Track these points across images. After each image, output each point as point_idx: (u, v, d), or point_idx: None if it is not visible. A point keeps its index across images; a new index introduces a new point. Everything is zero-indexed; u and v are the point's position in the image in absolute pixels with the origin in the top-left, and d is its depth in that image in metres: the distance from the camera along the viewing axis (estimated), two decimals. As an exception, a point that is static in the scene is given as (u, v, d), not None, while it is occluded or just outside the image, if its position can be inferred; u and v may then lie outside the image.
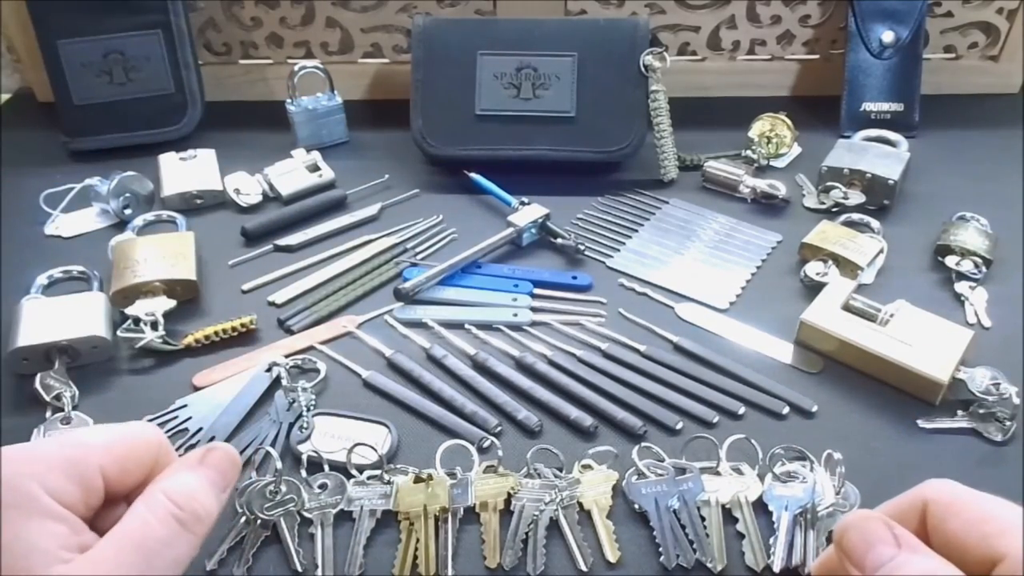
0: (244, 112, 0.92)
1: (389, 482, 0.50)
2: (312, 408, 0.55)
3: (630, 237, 0.73)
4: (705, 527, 0.47)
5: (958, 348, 0.56)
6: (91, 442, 0.34)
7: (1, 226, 0.74)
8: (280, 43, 0.92)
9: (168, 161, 0.80)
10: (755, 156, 0.81)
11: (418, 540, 0.47)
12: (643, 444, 0.52)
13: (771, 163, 0.82)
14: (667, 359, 0.59)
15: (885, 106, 0.87)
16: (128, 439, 0.35)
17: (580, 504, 0.49)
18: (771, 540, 0.46)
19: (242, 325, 0.62)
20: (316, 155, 0.81)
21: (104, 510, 0.34)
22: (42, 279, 0.66)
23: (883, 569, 0.31)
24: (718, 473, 0.50)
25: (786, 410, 0.55)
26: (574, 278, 0.67)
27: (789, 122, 0.82)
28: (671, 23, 0.91)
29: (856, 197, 0.74)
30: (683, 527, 0.47)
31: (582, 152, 0.78)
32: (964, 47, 0.92)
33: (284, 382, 0.57)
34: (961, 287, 0.65)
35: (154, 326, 0.61)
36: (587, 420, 0.54)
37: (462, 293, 0.66)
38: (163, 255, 0.66)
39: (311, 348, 0.61)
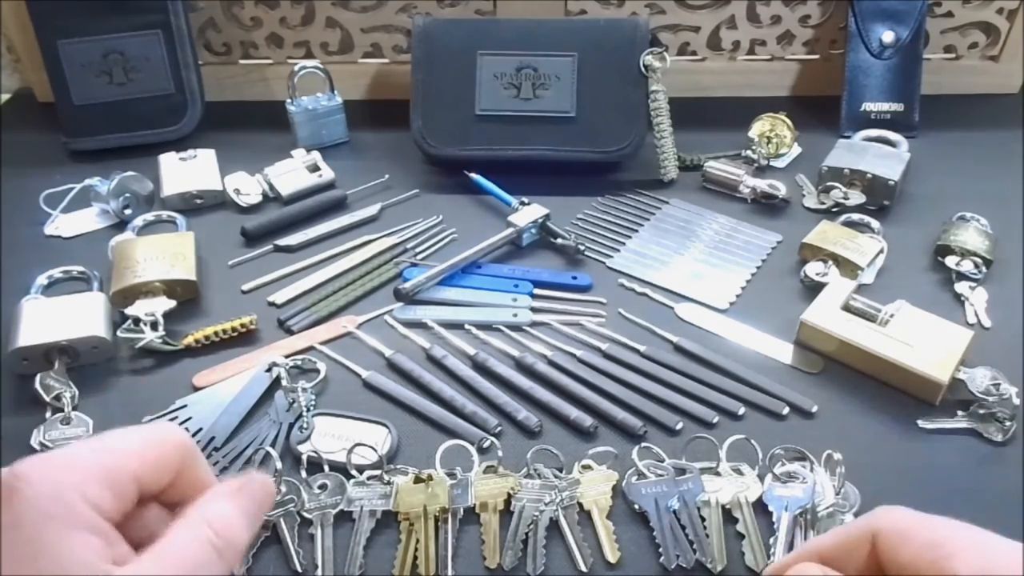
0: (244, 112, 0.92)
1: (389, 482, 0.50)
2: (312, 408, 0.55)
3: (630, 237, 0.73)
4: (705, 527, 0.47)
5: (958, 348, 0.56)
6: (125, 449, 0.34)
7: (1, 226, 0.74)
8: (280, 43, 0.92)
9: (168, 161, 0.80)
10: (755, 156, 0.80)
11: (418, 540, 0.47)
12: (643, 444, 0.52)
13: (771, 163, 0.82)
14: (667, 359, 0.59)
15: (885, 106, 0.87)
16: (159, 443, 0.35)
17: (580, 504, 0.49)
18: (771, 540, 0.46)
19: (242, 325, 0.62)
20: (316, 155, 0.81)
21: (136, 511, 0.34)
22: (42, 279, 0.66)
23: None
24: (718, 473, 0.50)
25: (786, 410, 0.55)
26: (574, 278, 0.67)
27: (789, 122, 0.82)
28: (671, 23, 0.91)
29: (856, 197, 0.74)
30: (683, 527, 0.47)
31: (582, 152, 0.78)
32: (964, 47, 0.92)
33: (284, 382, 0.57)
34: (961, 287, 0.65)
35: (154, 326, 0.61)
36: (587, 420, 0.54)
37: (462, 293, 0.66)
38: (163, 255, 0.66)
39: (311, 348, 0.61)
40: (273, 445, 0.53)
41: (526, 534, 0.47)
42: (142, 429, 0.35)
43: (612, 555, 0.46)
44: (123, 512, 0.33)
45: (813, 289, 0.65)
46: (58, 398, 0.56)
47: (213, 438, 0.54)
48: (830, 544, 0.34)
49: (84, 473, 0.32)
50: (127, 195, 0.74)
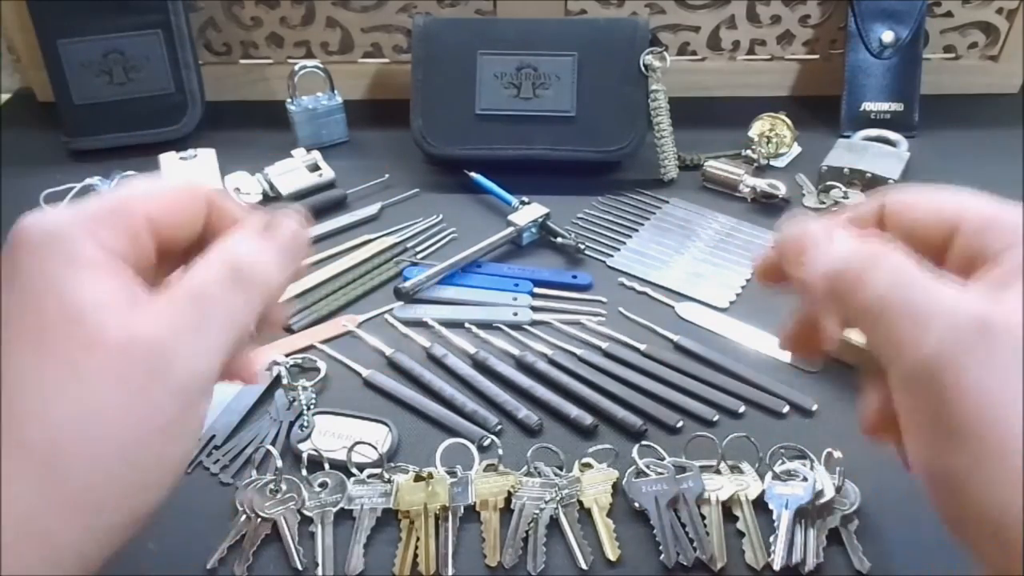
0: (244, 112, 0.92)
1: (389, 481, 0.50)
2: (312, 407, 0.55)
3: (630, 237, 0.73)
4: (705, 525, 0.47)
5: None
6: (134, 192, 0.31)
7: (1, 226, 0.74)
8: (280, 43, 0.93)
9: (168, 161, 0.80)
10: (755, 156, 0.81)
11: (418, 539, 0.47)
12: (643, 443, 0.52)
13: (771, 163, 0.82)
14: (667, 358, 0.59)
15: (885, 106, 0.87)
16: (173, 188, 0.33)
17: (580, 502, 0.49)
18: (771, 538, 0.46)
19: (242, 324, 0.61)
20: (316, 155, 0.81)
21: (164, 273, 0.33)
22: (42, 278, 0.66)
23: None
24: (718, 471, 0.50)
25: (786, 409, 0.55)
26: (574, 277, 0.67)
27: (789, 122, 0.82)
28: (671, 23, 0.91)
29: (856, 197, 0.74)
30: (683, 525, 0.47)
31: (582, 152, 0.78)
32: (964, 47, 0.92)
33: (284, 381, 0.57)
34: (961, 286, 0.65)
35: (154, 325, 0.61)
36: (587, 419, 0.54)
37: (462, 292, 0.66)
38: (163, 254, 0.66)
39: (311, 347, 0.61)
40: (273, 444, 0.53)
41: (526, 532, 0.47)
42: (157, 178, 0.33)
43: (612, 553, 0.46)
44: (140, 258, 0.31)
45: (813, 288, 0.64)
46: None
47: (213, 436, 0.54)
48: (840, 222, 0.34)
49: (88, 216, 0.30)
50: (127, 194, 0.74)
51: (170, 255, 0.33)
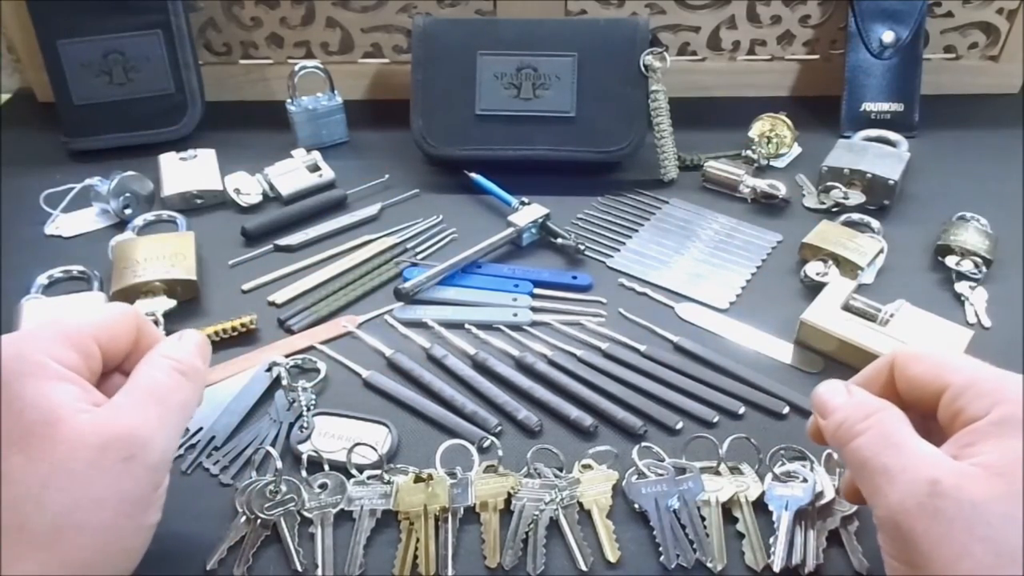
0: (244, 112, 0.92)
1: (389, 482, 0.50)
2: (312, 408, 0.55)
3: (630, 237, 0.73)
4: (705, 527, 0.47)
5: (958, 348, 0.56)
6: (81, 317, 0.40)
7: (1, 226, 0.74)
8: (280, 43, 0.92)
9: (168, 161, 0.80)
10: (755, 156, 0.81)
11: (418, 540, 0.47)
12: (643, 444, 0.52)
13: (771, 163, 0.82)
14: (667, 359, 0.59)
15: (885, 106, 0.87)
16: (112, 312, 0.42)
17: (580, 504, 0.49)
18: (771, 540, 0.46)
19: (242, 325, 0.62)
20: (316, 155, 0.81)
21: (103, 380, 0.40)
22: (42, 279, 0.66)
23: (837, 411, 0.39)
24: (718, 473, 0.50)
25: (786, 410, 0.55)
26: (574, 278, 0.67)
27: (789, 122, 0.82)
28: (671, 23, 0.91)
29: (856, 197, 0.74)
30: (683, 527, 0.47)
31: (582, 152, 0.78)
32: (964, 47, 0.92)
33: (284, 382, 0.57)
34: (961, 287, 0.65)
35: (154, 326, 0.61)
36: (587, 420, 0.54)
37: (462, 293, 0.66)
38: (163, 255, 0.66)
39: (311, 348, 0.61)
40: (273, 445, 0.53)
41: (526, 533, 0.47)
42: (96, 305, 0.43)
43: (612, 554, 0.46)
44: (91, 370, 0.39)
45: (813, 289, 0.65)
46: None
47: (213, 437, 0.54)
48: (859, 376, 0.42)
49: (46, 339, 0.37)
50: (127, 195, 0.74)
51: (112, 362, 0.41)
